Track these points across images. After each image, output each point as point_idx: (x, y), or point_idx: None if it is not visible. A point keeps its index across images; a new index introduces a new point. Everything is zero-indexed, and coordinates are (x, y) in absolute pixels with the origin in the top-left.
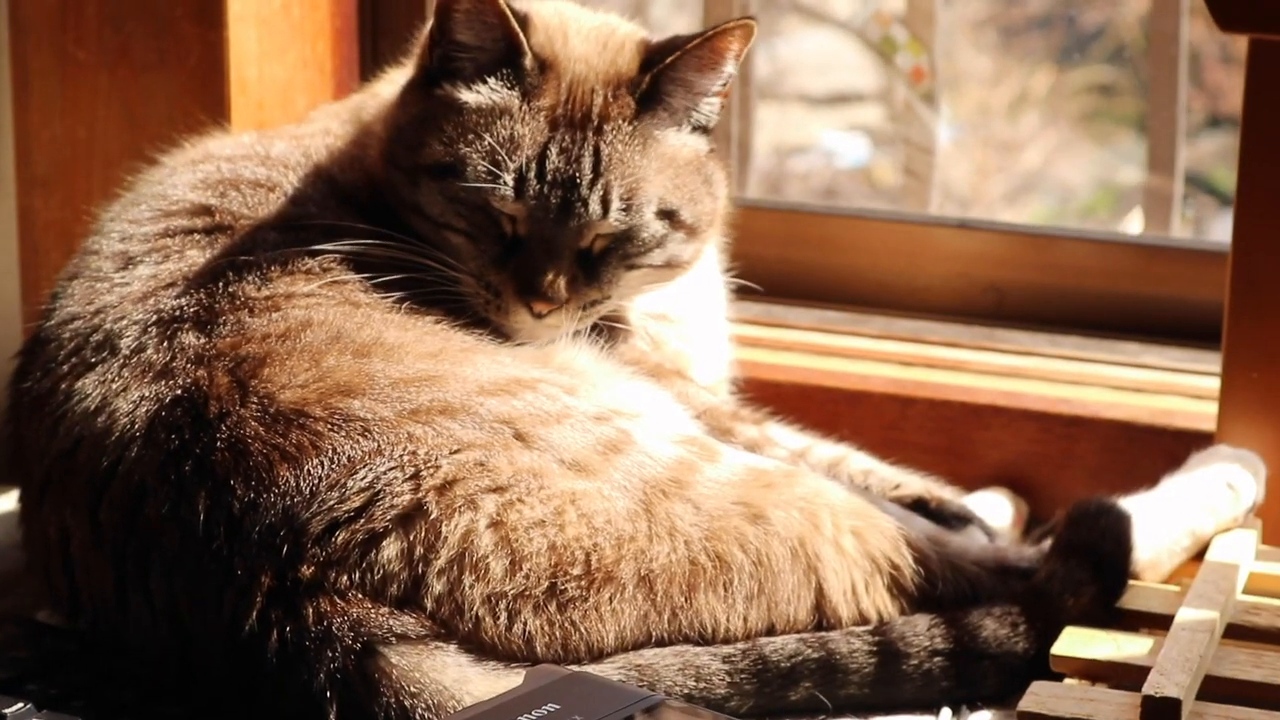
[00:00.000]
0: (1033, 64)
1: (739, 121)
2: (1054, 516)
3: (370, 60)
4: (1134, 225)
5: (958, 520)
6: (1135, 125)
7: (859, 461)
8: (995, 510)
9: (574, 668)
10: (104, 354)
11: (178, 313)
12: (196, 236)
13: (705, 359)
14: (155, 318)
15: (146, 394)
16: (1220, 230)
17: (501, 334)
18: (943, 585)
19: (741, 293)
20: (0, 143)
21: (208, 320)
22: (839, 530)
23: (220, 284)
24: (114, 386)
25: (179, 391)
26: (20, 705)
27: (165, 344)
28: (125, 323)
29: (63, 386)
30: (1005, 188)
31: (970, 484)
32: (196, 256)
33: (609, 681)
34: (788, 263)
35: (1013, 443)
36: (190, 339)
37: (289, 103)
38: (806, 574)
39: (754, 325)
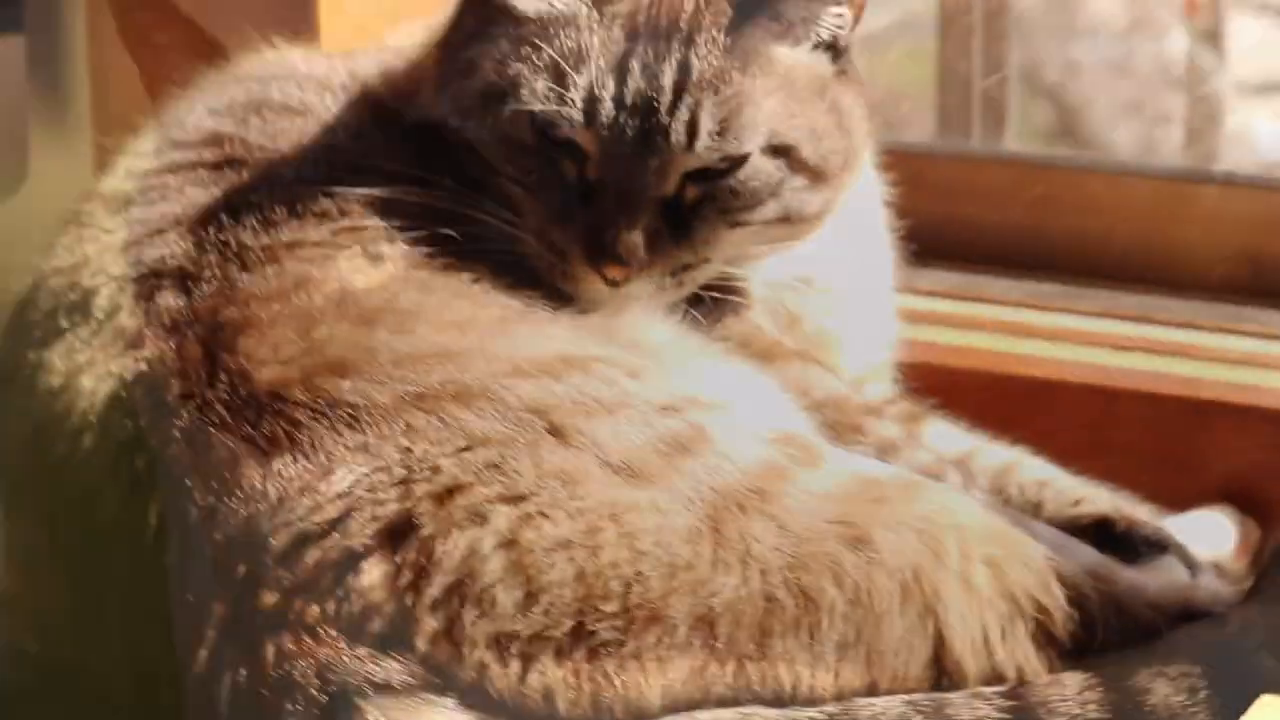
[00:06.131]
0: None
1: None
2: None
3: None
4: None
5: (1150, 547)
6: None
7: (1033, 470)
8: (1214, 534)
9: None
10: (76, 317)
11: (158, 266)
12: (201, 172)
13: (861, 340)
14: (135, 272)
15: (113, 369)
16: None
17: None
18: (1103, 633)
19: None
20: (76, 79)
21: (192, 275)
22: (968, 560)
23: (212, 230)
24: (80, 359)
25: (143, 366)
26: None
27: (141, 305)
28: (102, 278)
29: (30, 358)
30: None
31: (1187, 501)
32: (198, 195)
33: None
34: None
35: (1245, 450)
36: (169, 300)
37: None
38: (922, 616)
39: (942, 299)
